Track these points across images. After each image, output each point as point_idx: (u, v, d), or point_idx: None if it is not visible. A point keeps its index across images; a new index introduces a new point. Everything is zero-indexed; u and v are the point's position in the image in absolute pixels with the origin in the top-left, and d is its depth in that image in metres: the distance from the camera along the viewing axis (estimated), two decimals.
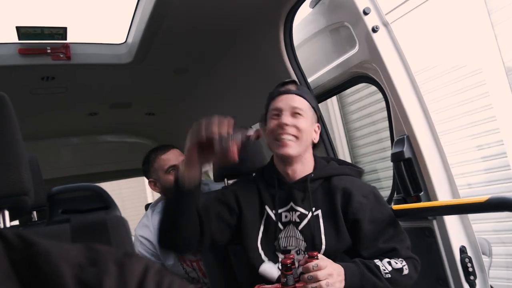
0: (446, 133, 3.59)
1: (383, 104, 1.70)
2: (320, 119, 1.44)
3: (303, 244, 1.29)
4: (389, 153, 1.65)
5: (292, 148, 1.30)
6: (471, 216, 1.52)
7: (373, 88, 1.75)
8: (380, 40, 1.59)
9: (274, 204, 1.35)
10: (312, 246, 1.27)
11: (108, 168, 3.54)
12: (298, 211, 1.32)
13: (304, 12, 1.93)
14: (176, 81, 2.47)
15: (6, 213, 0.88)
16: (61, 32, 1.86)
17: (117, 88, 2.51)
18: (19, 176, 0.80)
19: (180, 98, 2.73)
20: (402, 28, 3.61)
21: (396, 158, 1.57)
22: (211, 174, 2.56)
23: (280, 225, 1.33)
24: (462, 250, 1.47)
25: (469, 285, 1.44)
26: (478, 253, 1.49)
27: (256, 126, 1.50)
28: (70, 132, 3.17)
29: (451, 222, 1.48)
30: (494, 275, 2.84)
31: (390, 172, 1.74)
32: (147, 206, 2.59)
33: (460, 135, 3.61)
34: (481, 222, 3.36)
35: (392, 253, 1.26)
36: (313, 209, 1.31)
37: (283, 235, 1.32)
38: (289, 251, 1.29)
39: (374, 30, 1.59)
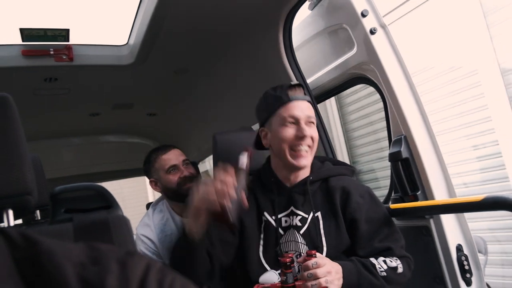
0: (442, 133, 3.60)
1: (381, 105, 1.71)
2: (319, 119, 1.44)
3: (304, 248, 1.28)
4: (386, 153, 1.67)
5: (307, 159, 1.30)
6: (467, 215, 1.53)
7: (371, 89, 1.76)
8: (378, 42, 1.61)
9: (274, 210, 1.34)
10: (314, 249, 1.25)
11: (109, 168, 3.55)
12: (299, 215, 1.31)
13: (303, 14, 1.95)
14: (176, 81, 2.48)
15: (10, 212, 0.89)
16: (64, 34, 1.87)
17: (119, 89, 2.52)
18: (22, 176, 0.81)
19: (180, 98, 2.74)
20: (400, 30, 3.63)
21: (394, 158, 1.59)
22: (211, 174, 2.56)
23: (280, 230, 1.32)
24: (459, 248, 1.48)
25: (465, 283, 1.45)
26: (474, 251, 1.51)
27: (256, 126, 1.50)
28: (72, 133, 3.18)
29: (448, 221, 1.50)
30: (489, 273, 2.85)
31: (388, 172, 1.75)
32: (148, 205, 2.60)
33: (456, 135, 3.62)
34: (477, 221, 3.39)
35: (387, 252, 1.27)
36: (314, 211, 1.31)
37: (283, 240, 1.31)
38: None
39: (372, 32, 1.60)
